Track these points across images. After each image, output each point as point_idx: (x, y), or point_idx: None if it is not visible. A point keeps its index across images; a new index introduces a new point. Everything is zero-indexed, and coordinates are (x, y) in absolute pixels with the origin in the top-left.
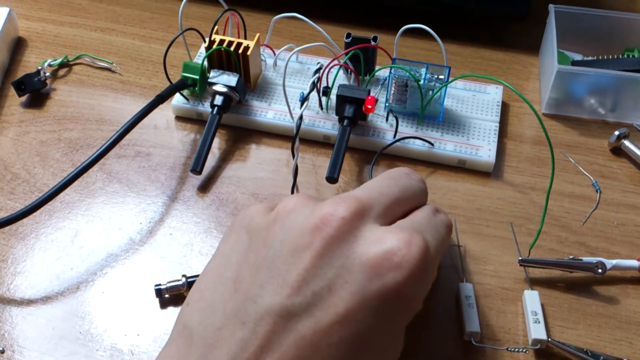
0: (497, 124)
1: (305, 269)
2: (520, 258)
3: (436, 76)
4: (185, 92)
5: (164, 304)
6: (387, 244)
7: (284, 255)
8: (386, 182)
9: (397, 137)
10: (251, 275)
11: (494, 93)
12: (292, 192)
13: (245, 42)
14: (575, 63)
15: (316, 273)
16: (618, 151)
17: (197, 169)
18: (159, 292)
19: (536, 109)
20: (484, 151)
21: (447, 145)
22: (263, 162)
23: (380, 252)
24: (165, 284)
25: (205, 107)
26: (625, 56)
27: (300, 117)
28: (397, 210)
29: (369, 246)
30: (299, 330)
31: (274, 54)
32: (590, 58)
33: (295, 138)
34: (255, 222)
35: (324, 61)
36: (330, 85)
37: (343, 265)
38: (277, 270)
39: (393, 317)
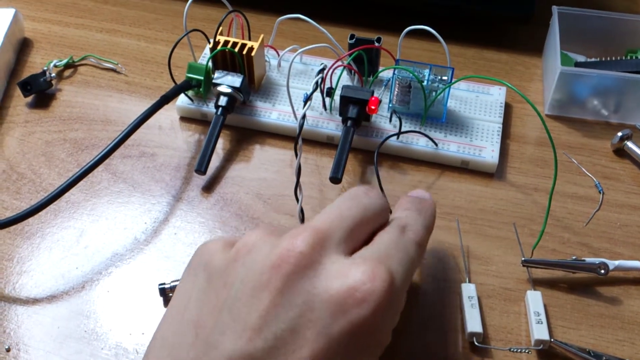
0: (500, 125)
1: (265, 310)
2: (523, 259)
3: (439, 77)
4: (189, 92)
5: (167, 303)
6: (350, 278)
7: (244, 297)
8: (345, 204)
9: (399, 138)
10: (213, 319)
11: (497, 94)
12: (295, 193)
13: (249, 43)
14: (578, 64)
15: (277, 313)
16: (621, 152)
17: (201, 169)
18: (162, 291)
19: (539, 110)
20: (487, 152)
21: (451, 146)
22: (267, 162)
23: (343, 288)
24: (169, 283)
25: (210, 108)
26: (628, 58)
27: (303, 117)
28: (360, 233)
29: (331, 281)
30: None
31: (278, 55)
32: (593, 59)
33: (297, 138)
34: (214, 260)
35: (328, 62)
36: (334, 86)
37: (305, 302)
38: (237, 312)
39: (361, 353)
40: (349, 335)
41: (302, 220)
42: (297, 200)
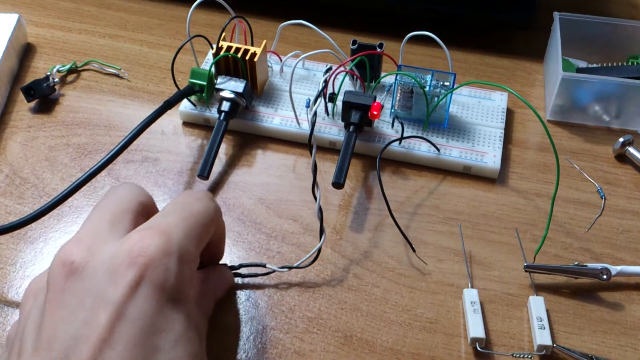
0: (502, 131)
1: (46, 322)
2: (525, 264)
3: (441, 83)
4: (192, 98)
5: None
6: (120, 249)
7: (29, 318)
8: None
9: (401, 143)
10: (10, 349)
11: (498, 100)
12: (313, 190)
13: (252, 49)
14: (579, 70)
15: (61, 320)
16: (622, 158)
17: (204, 174)
18: None
19: (541, 116)
20: (489, 157)
21: (453, 152)
22: (269, 167)
23: (115, 260)
24: None
25: (213, 113)
26: (630, 63)
27: (315, 114)
28: (127, 217)
29: (105, 263)
30: None
31: (281, 60)
32: (594, 65)
33: (310, 135)
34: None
35: (332, 66)
36: (336, 91)
37: (87, 293)
38: (26, 335)
39: (166, 308)
40: (134, 298)
41: (321, 219)
42: (315, 198)
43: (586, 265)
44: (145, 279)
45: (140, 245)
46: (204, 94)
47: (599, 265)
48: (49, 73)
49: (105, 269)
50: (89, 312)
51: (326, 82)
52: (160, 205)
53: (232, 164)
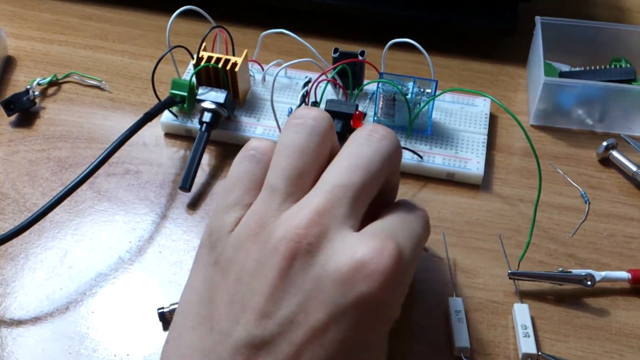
0: (486, 137)
1: (271, 293)
2: (509, 271)
3: (423, 90)
4: (174, 109)
5: (168, 327)
6: (358, 253)
7: (251, 283)
8: (347, 163)
9: None
10: (226, 310)
11: (482, 105)
12: None
13: (233, 59)
14: (562, 74)
15: (284, 296)
16: (606, 162)
17: (186, 186)
18: (162, 316)
19: (524, 121)
20: (473, 164)
21: (436, 159)
22: None
23: (351, 264)
24: (168, 307)
25: (194, 124)
26: (613, 66)
27: None
28: (367, 197)
29: (339, 257)
30: (276, 355)
31: (262, 69)
32: (577, 69)
33: None
34: (221, 248)
35: (313, 76)
36: (318, 100)
37: (314, 282)
38: (246, 300)
39: (371, 328)
40: (357, 311)
41: None
42: None
43: (570, 272)
44: (371, 301)
45: (378, 259)
46: (185, 105)
47: (583, 272)
48: (29, 86)
49: (336, 274)
50: (307, 300)
51: (304, 95)
52: (142, 218)
53: (214, 175)
